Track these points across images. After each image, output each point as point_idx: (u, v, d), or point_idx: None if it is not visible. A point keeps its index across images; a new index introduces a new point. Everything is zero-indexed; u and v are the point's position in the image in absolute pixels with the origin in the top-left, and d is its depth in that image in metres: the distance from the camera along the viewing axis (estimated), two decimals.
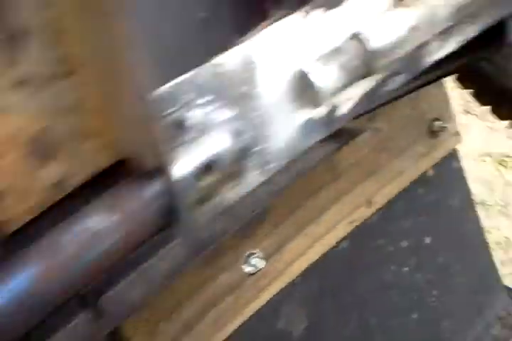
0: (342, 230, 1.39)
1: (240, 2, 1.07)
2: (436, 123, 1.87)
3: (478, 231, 2.23)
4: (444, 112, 1.51)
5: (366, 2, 0.60)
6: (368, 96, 0.64)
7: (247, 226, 1.19)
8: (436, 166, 1.81)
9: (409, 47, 0.59)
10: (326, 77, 0.55)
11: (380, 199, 1.49)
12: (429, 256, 1.76)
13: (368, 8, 0.60)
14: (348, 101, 0.63)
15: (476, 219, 2.20)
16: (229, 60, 0.53)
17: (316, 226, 1.35)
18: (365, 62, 0.56)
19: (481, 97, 1.39)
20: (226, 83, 0.53)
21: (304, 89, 0.56)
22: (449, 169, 2.04)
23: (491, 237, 3.88)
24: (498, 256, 3.76)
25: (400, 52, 0.58)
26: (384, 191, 1.56)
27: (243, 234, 1.18)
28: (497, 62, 1.25)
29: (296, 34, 0.57)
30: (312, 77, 0.54)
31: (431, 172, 1.87)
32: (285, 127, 0.58)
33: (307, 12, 0.57)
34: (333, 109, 0.62)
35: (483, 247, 2.17)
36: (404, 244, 1.61)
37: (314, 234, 1.33)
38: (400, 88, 0.69)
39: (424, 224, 1.87)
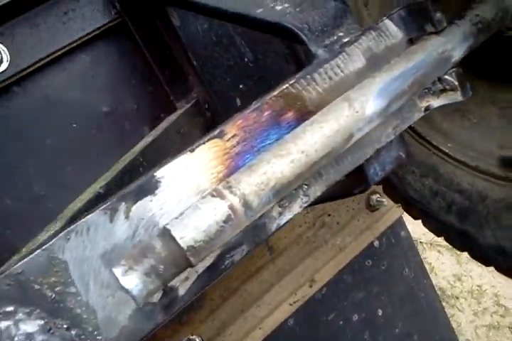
0: (286, 310, 1.38)
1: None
2: (373, 196, 1.86)
3: (434, 298, 2.22)
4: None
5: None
6: (210, 270, 0.70)
7: (183, 314, 1.21)
8: (381, 237, 1.79)
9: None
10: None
11: (324, 276, 1.51)
12: (384, 327, 1.80)
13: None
14: (185, 281, 0.68)
15: (430, 286, 2.15)
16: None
17: (256, 309, 1.37)
18: (178, 262, 0.58)
19: (390, 196, 1.45)
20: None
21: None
22: (396, 238, 2.01)
23: (463, 286, 3.79)
24: (472, 306, 3.65)
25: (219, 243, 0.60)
26: (327, 268, 1.56)
27: (180, 321, 1.20)
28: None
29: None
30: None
31: (377, 244, 1.86)
32: (117, 315, 0.62)
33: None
34: (169, 291, 0.67)
35: (440, 313, 2.23)
36: (356, 317, 1.64)
37: (255, 317, 1.36)
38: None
39: (376, 296, 1.86)
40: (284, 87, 0.77)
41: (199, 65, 1.40)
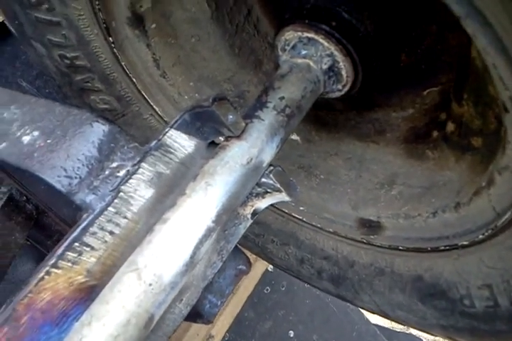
0: None
1: None
2: None
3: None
4: None
5: None
6: None
7: None
8: None
9: None
10: None
11: (222, 327, 1.71)
12: None
13: None
14: None
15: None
16: None
17: None
18: None
19: None
20: None
21: None
22: None
23: None
24: None
25: None
26: (223, 317, 1.73)
27: None
28: None
29: None
30: None
31: (271, 268, 2.14)
32: None
33: None
34: None
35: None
36: None
37: None
38: None
39: (284, 319, 2.00)
40: (42, 274, 0.56)
41: None
